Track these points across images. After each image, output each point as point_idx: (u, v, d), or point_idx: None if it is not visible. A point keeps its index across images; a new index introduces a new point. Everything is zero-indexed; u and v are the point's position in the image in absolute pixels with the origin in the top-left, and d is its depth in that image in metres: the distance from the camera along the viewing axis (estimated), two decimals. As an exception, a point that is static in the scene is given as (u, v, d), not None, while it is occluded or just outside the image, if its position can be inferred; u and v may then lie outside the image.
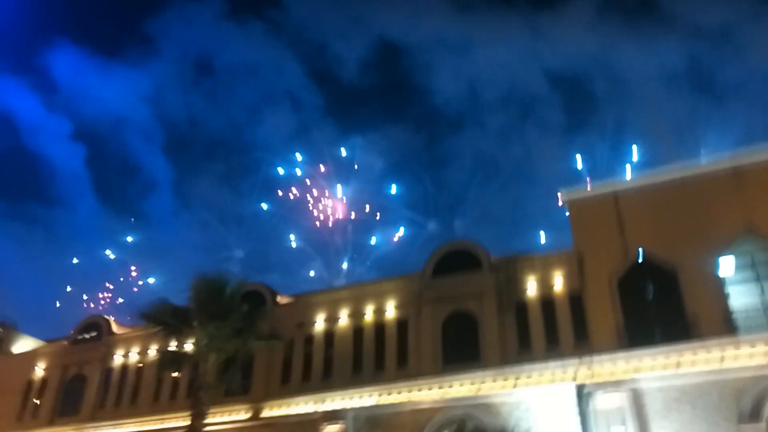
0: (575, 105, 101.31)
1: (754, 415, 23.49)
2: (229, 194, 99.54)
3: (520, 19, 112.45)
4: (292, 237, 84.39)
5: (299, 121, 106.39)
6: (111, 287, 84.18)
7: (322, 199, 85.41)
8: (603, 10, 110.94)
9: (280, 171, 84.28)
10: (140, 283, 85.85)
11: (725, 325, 25.26)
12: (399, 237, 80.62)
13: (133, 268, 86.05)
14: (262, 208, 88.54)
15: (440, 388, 29.15)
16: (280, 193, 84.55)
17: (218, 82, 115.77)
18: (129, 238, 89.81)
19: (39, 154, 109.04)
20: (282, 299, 37.79)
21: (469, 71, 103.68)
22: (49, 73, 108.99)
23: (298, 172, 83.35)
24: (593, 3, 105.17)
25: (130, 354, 39.98)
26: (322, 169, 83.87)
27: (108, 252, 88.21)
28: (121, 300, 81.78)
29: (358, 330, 33.73)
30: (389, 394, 30.16)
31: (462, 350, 30.45)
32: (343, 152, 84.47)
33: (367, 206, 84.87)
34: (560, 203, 31.48)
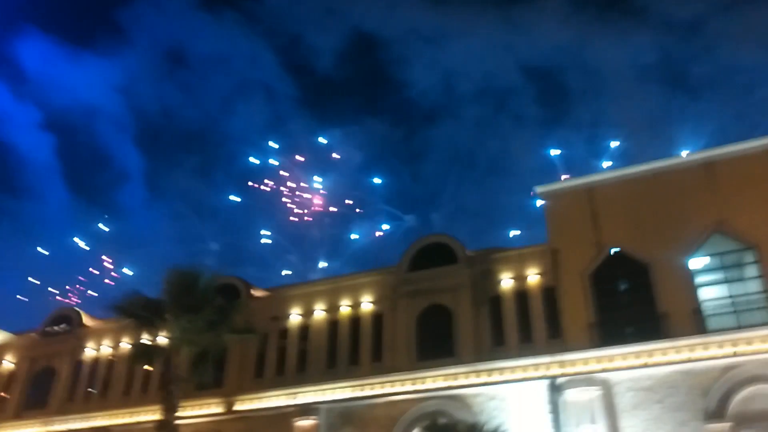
0: (549, 98, 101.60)
1: (719, 413, 23.97)
2: (203, 186, 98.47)
3: (495, 12, 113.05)
4: (265, 232, 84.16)
5: (274, 112, 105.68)
6: (83, 279, 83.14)
7: (298, 191, 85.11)
8: (576, 3, 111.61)
9: (255, 161, 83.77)
10: (113, 274, 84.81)
11: (695, 323, 25.61)
12: (379, 232, 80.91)
13: (105, 258, 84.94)
14: (236, 201, 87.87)
15: (413, 383, 29.22)
16: (255, 185, 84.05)
17: (191, 73, 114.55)
18: (101, 226, 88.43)
19: (6, 143, 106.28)
20: (257, 292, 37.51)
21: (445, 63, 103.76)
22: (17, 62, 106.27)
23: (274, 163, 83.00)
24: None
25: (101, 347, 39.42)
26: (299, 159, 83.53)
27: (77, 240, 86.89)
28: (92, 292, 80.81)
29: (333, 324, 33.62)
30: (363, 389, 30.15)
31: (437, 345, 30.53)
32: (321, 141, 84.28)
33: (345, 200, 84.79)
34: (533, 196, 31.70)
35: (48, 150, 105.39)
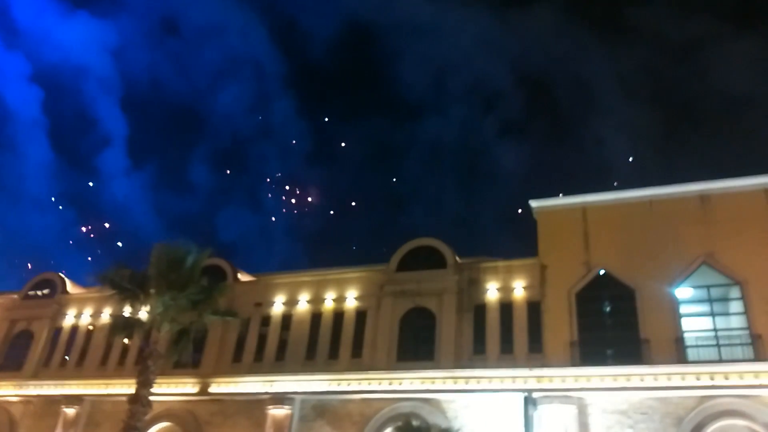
0: (537, 107, 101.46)
1: (692, 442, 24.08)
2: (186, 161, 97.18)
3: (490, 12, 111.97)
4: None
5: (261, 90, 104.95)
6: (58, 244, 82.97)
7: (284, 180, 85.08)
8: (571, 13, 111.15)
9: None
10: (90, 239, 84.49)
11: (675, 352, 25.73)
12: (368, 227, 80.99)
13: (85, 227, 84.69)
14: (225, 179, 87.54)
15: (390, 383, 29.23)
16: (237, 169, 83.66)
17: (183, 43, 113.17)
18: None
19: None
20: (243, 277, 37.46)
21: (437, 59, 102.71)
22: (9, 12, 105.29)
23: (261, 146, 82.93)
24: (561, 5, 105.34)
25: (82, 315, 39.29)
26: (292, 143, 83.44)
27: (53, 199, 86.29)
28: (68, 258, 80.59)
29: (316, 316, 33.59)
30: (339, 383, 30.15)
31: (417, 347, 30.56)
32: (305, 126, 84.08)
33: (314, 192, 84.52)
34: (520, 213, 31.80)
35: (35, 104, 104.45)
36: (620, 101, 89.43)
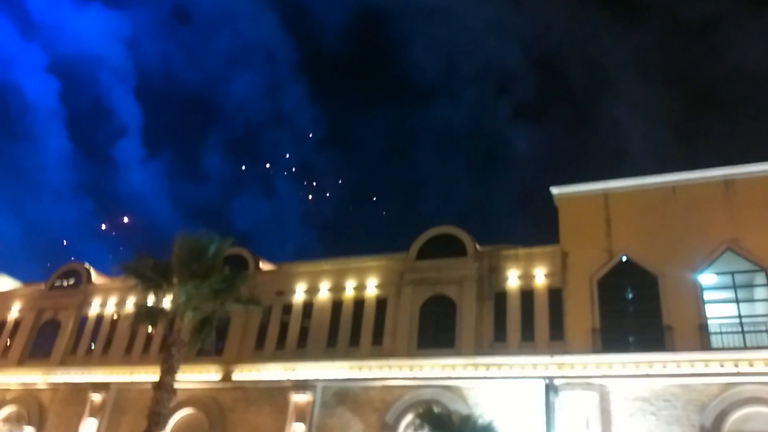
0: (550, 89, 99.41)
1: (714, 430, 23.87)
2: (201, 150, 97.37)
3: None
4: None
5: (273, 77, 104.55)
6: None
7: (309, 174, 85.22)
8: None
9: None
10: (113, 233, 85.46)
11: (698, 339, 25.49)
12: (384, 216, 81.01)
13: (103, 219, 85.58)
14: (239, 167, 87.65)
15: (411, 370, 29.35)
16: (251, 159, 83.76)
17: (195, 33, 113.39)
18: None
19: (12, 84, 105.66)
20: (264, 265, 37.74)
21: (448, 44, 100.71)
22: (24, 3, 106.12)
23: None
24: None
25: (106, 304, 39.92)
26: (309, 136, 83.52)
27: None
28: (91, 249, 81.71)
29: (337, 304, 33.78)
30: (360, 370, 30.34)
31: (437, 335, 30.63)
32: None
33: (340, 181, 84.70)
34: (538, 197, 31.54)
35: (53, 95, 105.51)
36: (636, 82, 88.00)
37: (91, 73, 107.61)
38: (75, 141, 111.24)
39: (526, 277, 30.43)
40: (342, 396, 30.58)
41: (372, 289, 33.28)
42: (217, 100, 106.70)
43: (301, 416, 30.36)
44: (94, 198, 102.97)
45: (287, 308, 34.78)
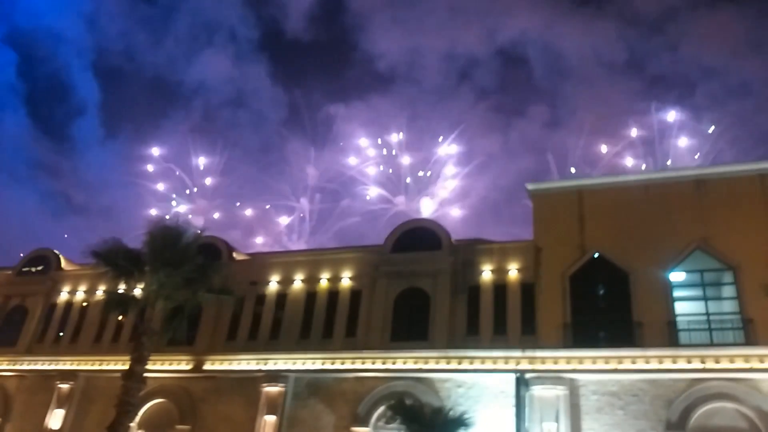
0: (512, 80, 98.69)
1: (680, 425, 24.38)
2: (160, 133, 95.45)
3: None
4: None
5: (234, 56, 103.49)
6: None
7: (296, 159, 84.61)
8: None
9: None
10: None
11: (667, 335, 25.89)
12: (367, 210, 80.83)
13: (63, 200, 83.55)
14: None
15: (384, 362, 29.39)
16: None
17: (157, 11, 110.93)
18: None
19: None
20: (238, 256, 37.48)
21: (410, 28, 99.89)
22: None
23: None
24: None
25: (76, 292, 39.31)
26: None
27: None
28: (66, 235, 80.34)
29: (310, 295, 33.64)
30: (333, 362, 30.31)
31: (411, 328, 30.66)
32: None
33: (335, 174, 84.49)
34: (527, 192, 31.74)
35: (10, 68, 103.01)
36: (596, 72, 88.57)
37: (51, 47, 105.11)
38: (33, 117, 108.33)
39: (500, 271, 30.62)
40: (314, 387, 30.55)
41: (346, 281, 33.21)
42: (178, 79, 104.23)
43: (272, 407, 30.26)
44: (55, 178, 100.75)
45: (260, 299, 34.55)
